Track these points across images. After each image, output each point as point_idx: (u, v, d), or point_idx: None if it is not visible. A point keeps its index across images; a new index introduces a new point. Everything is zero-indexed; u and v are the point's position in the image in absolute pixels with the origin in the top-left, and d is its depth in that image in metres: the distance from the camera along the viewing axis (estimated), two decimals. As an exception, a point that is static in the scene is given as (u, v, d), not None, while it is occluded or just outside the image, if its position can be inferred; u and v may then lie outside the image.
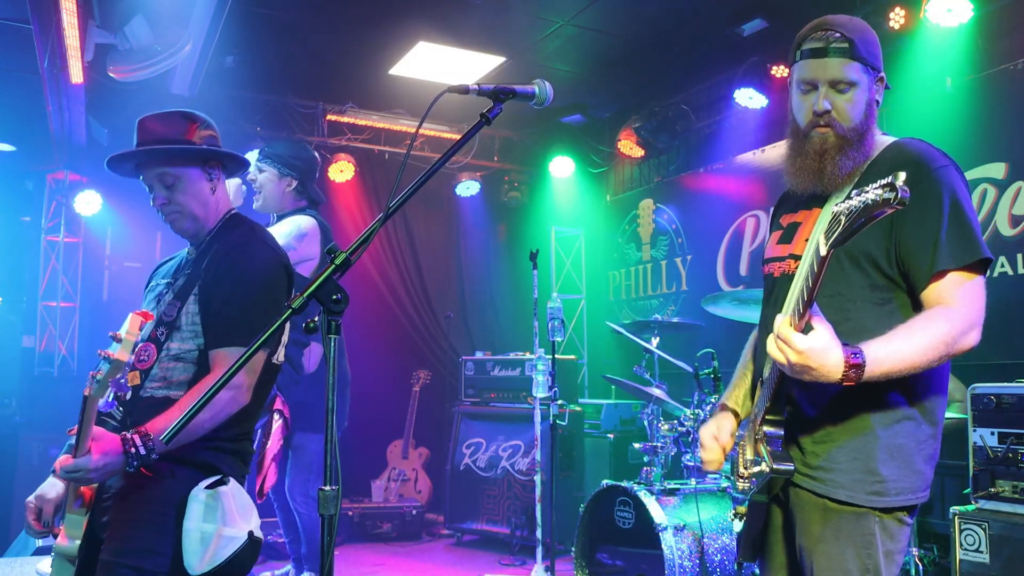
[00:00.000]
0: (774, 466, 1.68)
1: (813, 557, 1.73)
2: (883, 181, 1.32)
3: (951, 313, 1.61)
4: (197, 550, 1.87)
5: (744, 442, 1.88)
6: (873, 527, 1.68)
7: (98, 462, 1.82)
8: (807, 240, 1.79)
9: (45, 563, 2.12)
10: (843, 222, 1.38)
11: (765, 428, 1.74)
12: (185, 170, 2.16)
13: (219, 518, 1.90)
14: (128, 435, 1.86)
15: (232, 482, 1.98)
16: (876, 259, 1.69)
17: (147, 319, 1.94)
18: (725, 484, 3.99)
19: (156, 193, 2.17)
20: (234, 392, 1.96)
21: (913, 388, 1.70)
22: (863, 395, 1.67)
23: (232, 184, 3.55)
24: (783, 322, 1.54)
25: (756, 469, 1.73)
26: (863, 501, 1.67)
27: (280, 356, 2.22)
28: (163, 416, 1.92)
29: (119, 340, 1.83)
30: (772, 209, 2.12)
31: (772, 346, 1.55)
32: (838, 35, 1.75)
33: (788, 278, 1.81)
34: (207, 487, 1.92)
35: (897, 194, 1.30)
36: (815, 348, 1.49)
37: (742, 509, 1.90)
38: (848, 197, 1.38)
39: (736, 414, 1.99)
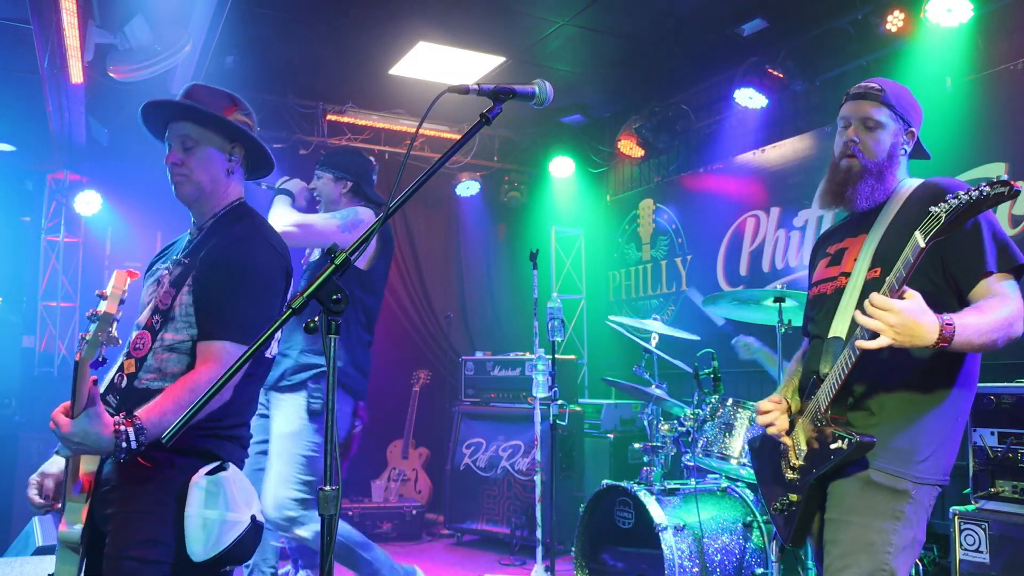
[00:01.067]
0: (858, 439, 1.86)
1: (840, 527, 1.92)
2: (992, 180, 1.63)
3: (1005, 300, 1.88)
4: (200, 536, 1.86)
5: (796, 435, 2.07)
6: (905, 507, 1.89)
7: (74, 436, 1.77)
8: (855, 260, 2.08)
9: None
10: (943, 219, 1.68)
11: (831, 415, 1.96)
12: (208, 139, 2.15)
13: (221, 504, 1.89)
14: (122, 427, 1.81)
15: (232, 467, 1.97)
16: (928, 273, 1.94)
17: (132, 276, 1.91)
18: (725, 484, 3.99)
19: (172, 152, 2.15)
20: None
21: (954, 383, 1.96)
22: (915, 387, 1.94)
23: (296, 183, 3.55)
24: (876, 294, 1.77)
25: (834, 446, 1.91)
26: (910, 476, 1.90)
27: (274, 350, 2.20)
28: (156, 405, 1.88)
29: (105, 297, 1.80)
30: (813, 249, 2.43)
31: (866, 318, 1.77)
32: (875, 85, 2.13)
33: (839, 291, 2.08)
34: (207, 473, 1.91)
35: (1011, 187, 1.61)
36: (914, 309, 1.73)
37: (795, 497, 2.04)
38: (953, 198, 1.68)
39: (787, 401, 2.17)
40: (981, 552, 3.11)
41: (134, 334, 2.11)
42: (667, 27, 5.24)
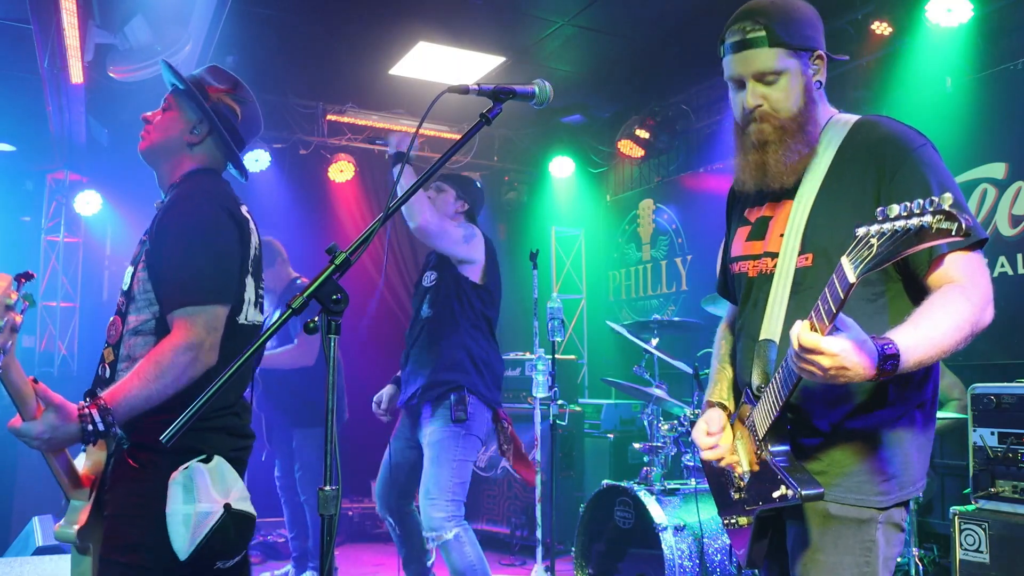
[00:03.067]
0: (803, 492, 1.58)
1: (808, 566, 1.69)
2: (933, 207, 1.21)
3: (966, 291, 1.54)
4: (181, 533, 1.82)
5: (738, 448, 1.81)
6: (875, 534, 1.65)
7: (43, 432, 1.77)
8: (782, 235, 1.73)
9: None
10: (876, 247, 1.28)
11: (771, 447, 1.68)
12: (183, 107, 2.15)
13: (193, 496, 1.84)
14: (86, 410, 1.78)
15: (216, 459, 1.91)
16: None
17: (26, 279, 1.82)
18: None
19: (155, 111, 2.19)
20: (194, 352, 1.86)
21: (911, 383, 1.68)
22: (866, 395, 1.65)
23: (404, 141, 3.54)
24: (803, 330, 1.41)
25: (776, 493, 1.63)
26: (873, 503, 1.65)
27: (248, 316, 2.09)
28: (120, 385, 1.84)
29: None
30: (728, 199, 2.02)
31: (796, 360, 1.44)
32: (754, 24, 1.68)
33: (766, 278, 1.76)
34: (184, 468, 1.86)
35: (961, 224, 1.20)
36: (849, 349, 1.38)
37: (744, 520, 1.80)
38: (885, 219, 1.27)
39: (724, 406, 1.92)
40: (981, 552, 3.11)
41: (108, 321, 2.06)
42: (667, 27, 5.25)
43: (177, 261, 1.94)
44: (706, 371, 3.98)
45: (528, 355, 5.76)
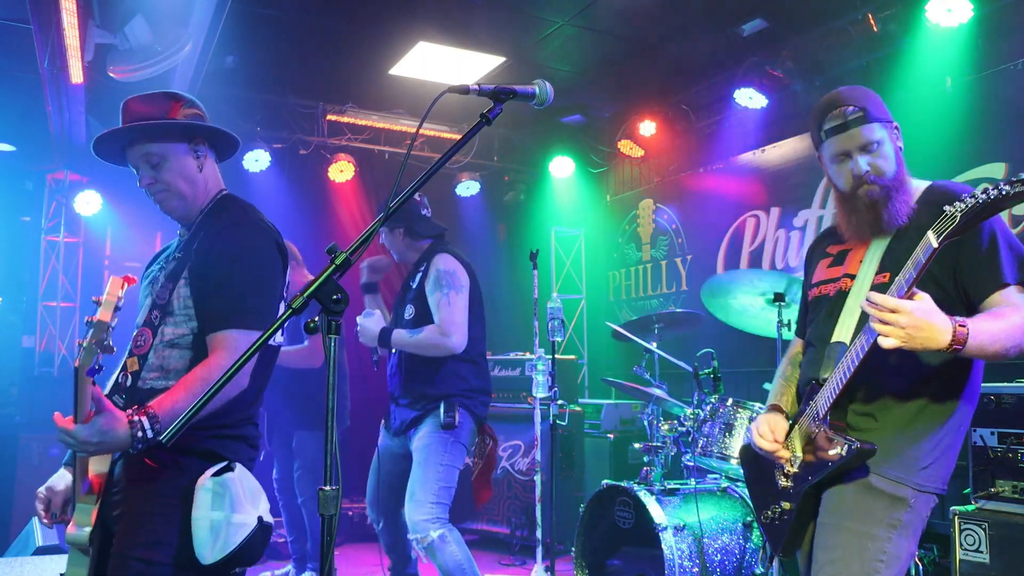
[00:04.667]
0: (859, 446, 1.81)
1: (833, 532, 1.88)
2: (1012, 178, 1.56)
3: (1020, 310, 1.81)
4: (207, 539, 1.86)
5: (792, 441, 2.02)
6: (903, 515, 1.85)
7: (92, 437, 1.77)
8: (861, 261, 2.02)
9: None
10: (959, 218, 1.62)
11: (831, 419, 1.90)
12: (170, 147, 2.13)
13: (227, 505, 1.89)
14: (136, 418, 1.81)
15: (238, 467, 1.97)
16: (939, 279, 1.90)
17: (129, 282, 1.89)
18: (725, 484, 3.99)
19: (142, 174, 2.14)
20: (236, 376, 1.96)
21: (959, 392, 1.93)
22: (921, 394, 1.90)
23: (381, 268, 3.61)
24: (877, 293, 1.69)
25: (832, 452, 1.86)
26: (911, 483, 1.87)
27: (277, 337, 2.19)
28: (168, 395, 1.89)
29: (100, 303, 1.78)
30: (810, 248, 2.34)
31: (875, 323, 1.68)
32: (851, 108, 2.00)
33: (843, 294, 2.02)
34: (214, 475, 1.91)
35: None
36: (925, 308, 1.65)
37: (788, 505, 2.00)
38: (970, 197, 1.62)
39: (787, 416, 2.12)
40: (981, 552, 3.11)
41: (135, 332, 2.11)
42: (667, 27, 5.24)
43: (229, 284, 2.01)
44: (706, 371, 4.02)
45: (528, 355, 5.76)
